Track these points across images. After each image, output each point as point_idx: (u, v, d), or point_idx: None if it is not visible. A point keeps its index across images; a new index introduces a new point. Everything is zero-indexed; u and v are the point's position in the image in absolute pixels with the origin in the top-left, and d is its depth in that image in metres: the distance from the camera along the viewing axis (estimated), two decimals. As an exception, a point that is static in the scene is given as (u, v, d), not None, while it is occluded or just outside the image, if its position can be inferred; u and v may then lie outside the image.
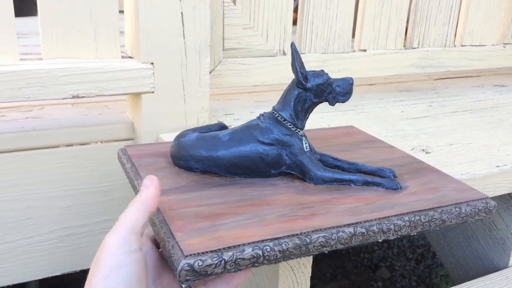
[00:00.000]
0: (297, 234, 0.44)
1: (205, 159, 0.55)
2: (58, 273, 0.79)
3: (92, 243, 0.79)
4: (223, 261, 0.40)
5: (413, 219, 0.49)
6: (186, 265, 0.39)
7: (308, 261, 0.62)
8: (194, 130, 0.60)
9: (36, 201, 0.74)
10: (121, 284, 0.36)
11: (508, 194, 0.81)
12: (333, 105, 0.55)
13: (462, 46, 1.13)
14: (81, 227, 0.78)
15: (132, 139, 0.78)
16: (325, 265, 1.59)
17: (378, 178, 0.55)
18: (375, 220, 0.48)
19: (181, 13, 0.72)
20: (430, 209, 0.50)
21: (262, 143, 0.54)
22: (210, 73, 0.83)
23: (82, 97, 0.68)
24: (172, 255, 0.41)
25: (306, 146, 0.55)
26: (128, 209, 0.41)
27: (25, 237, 0.75)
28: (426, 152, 0.75)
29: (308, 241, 0.44)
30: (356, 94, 1.10)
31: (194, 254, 0.40)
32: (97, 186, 0.77)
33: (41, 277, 0.78)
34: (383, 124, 0.88)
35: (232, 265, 0.41)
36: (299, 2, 0.93)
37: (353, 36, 1.02)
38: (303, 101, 0.55)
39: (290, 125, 0.55)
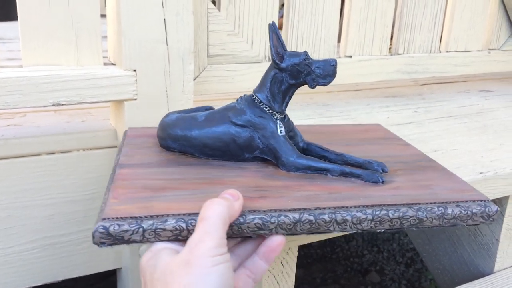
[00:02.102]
0: None
1: (180, 138, 0.55)
2: (40, 283, 0.77)
3: (74, 252, 0.78)
4: (141, 229, 0.39)
5: (377, 213, 0.43)
6: (101, 227, 0.39)
7: (291, 270, 0.62)
8: (179, 111, 0.60)
9: (17, 210, 0.73)
10: (219, 280, 0.36)
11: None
12: (313, 87, 0.51)
13: (447, 52, 1.13)
14: (63, 236, 0.76)
15: (115, 146, 0.77)
16: (315, 270, 1.58)
17: (360, 170, 0.51)
18: (329, 208, 0.43)
19: (164, 19, 0.72)
20: (403, 204, 0.44)
21: (235, 124, 0.53)
22: (194, 79, 0.82)
23: (62, 104, 0.67)
24: (97, 219, 0.40)
25: (281, 130, 0.52)
26: (216, 208, 0.39)
27: (5, 246, 0.73)
28: (410, 159, 0.75)
29: (242, 221, 0.41)
30: (342, 100, 1.10)
31: (113, 218, 0.40)
32: (79, 194, 0.76)
33: None
34: (368, 130, 0.88)
35: (152, 234, 0.40)
36: (284, 6, 0.93)
37: (339, 41, 1.02)
38: (280, 82, 0.52)
39: (265, 107, 0.52)
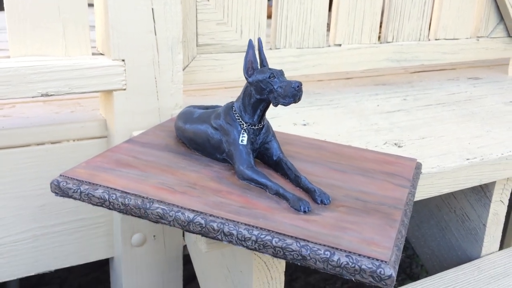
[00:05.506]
0: (143, 197, 0.48)
1: (179, 129, 0.63)
2: (33, 273, 0.78)
3: (66, 242, 0.78)
4: (79, 190, 0.49)
5: (262, 236, 0.44)
6: (56, 181, 0.51)
7: (281, 256, 0.62)
8: (195, 106, 0.67)
9: (9, 201, 0.73)
10: None
11: (480, 185, 0.83)
12: (275, 105, 0.53)
13: (436, 40, 1.14)
14: (56, 226, 0.77)
15: (106, 136, 0.78)
16: (312, 279, 1.59)
17: (292, 194, 0.50)
18: (220, 218, 0.45)
19: (152, 9, 0.71)
20: (292, 237, 0.44)
21: (211, 126, 0.58)
22: (184, 69, 0.82)
23: (51, 95, 0.67)
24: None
25: (242, 140, 0.55)
26: None
27: (-3, 237, 0.74)
28: (398, 146, 0.76)
29: (148, 206, 0.47)
30: (333, 88, 1.11)
31: (68, 177, 0.51)
32: (70, 184, 0.76)
33: (15, 277, 0.77)
34: (357, 118, 0.89)
35: (86, 197, 0.49)
36: (273, -3, 0.93)
37: (328, 30, 1.02)
38: (249, 95, 0.55)
39: (237, 116, 0.56)
